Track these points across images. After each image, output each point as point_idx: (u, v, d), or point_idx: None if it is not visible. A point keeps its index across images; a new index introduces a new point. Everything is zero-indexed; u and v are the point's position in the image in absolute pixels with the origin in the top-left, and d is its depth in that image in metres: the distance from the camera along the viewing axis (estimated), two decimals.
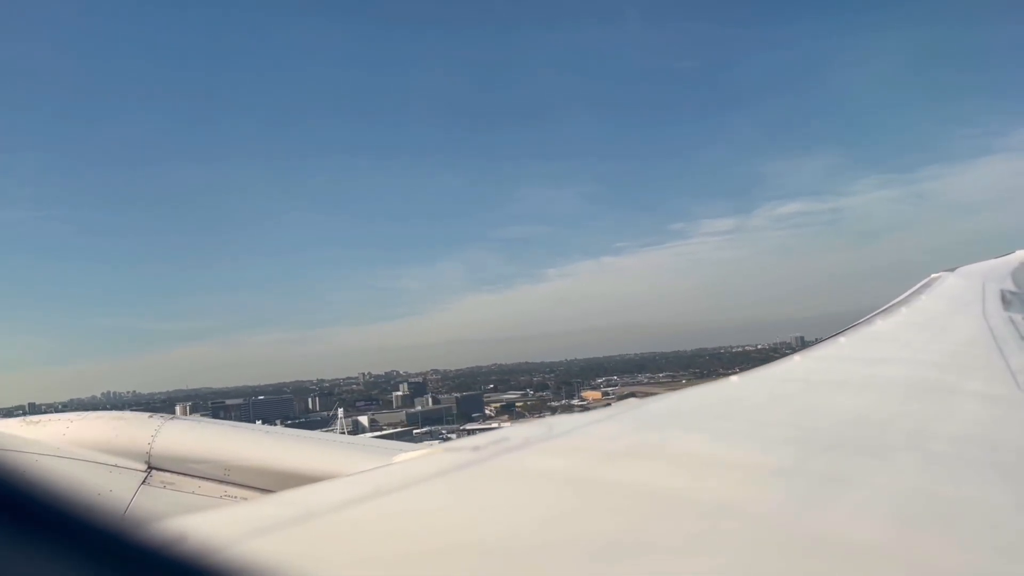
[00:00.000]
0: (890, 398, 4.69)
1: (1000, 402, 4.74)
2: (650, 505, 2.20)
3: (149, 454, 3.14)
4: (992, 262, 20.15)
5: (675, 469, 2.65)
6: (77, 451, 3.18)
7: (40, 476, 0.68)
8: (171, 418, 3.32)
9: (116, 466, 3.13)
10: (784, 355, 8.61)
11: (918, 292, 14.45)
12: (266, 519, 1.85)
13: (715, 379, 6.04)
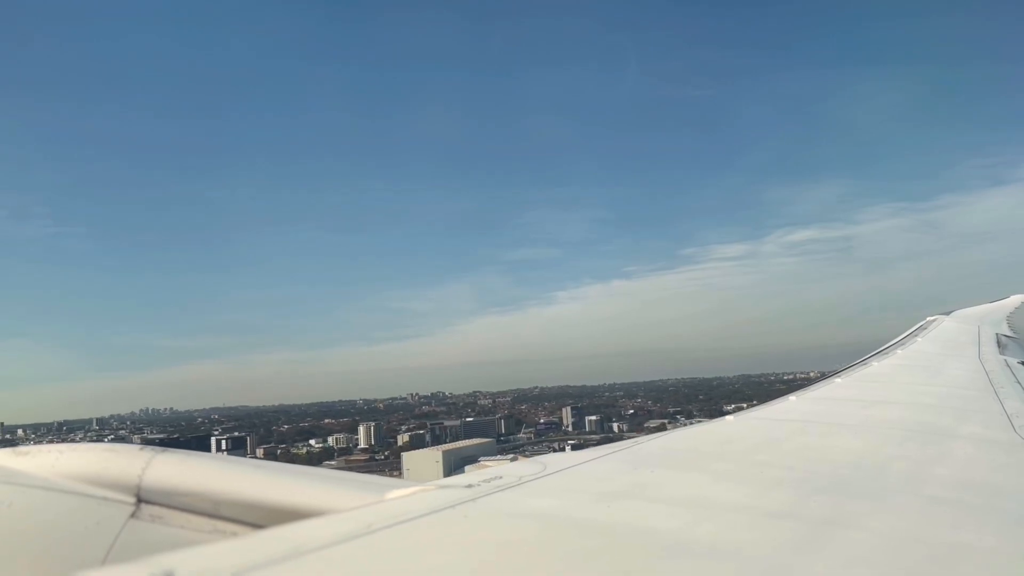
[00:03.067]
0: (886, 440, 4.67)
1: (997, 446, 4.72)
2: (644, 546, 2.18)
3: (139, 487, 3.10)
4: (988, 306, 20.25)
5: (669, 510, 2.63)
6: (66, 483, 3.14)
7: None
8: (162, 451, 3.28)
9: (105, 499, 3.09)
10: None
11: (914, 334, 14.48)
12: (255, 555, 1.82)
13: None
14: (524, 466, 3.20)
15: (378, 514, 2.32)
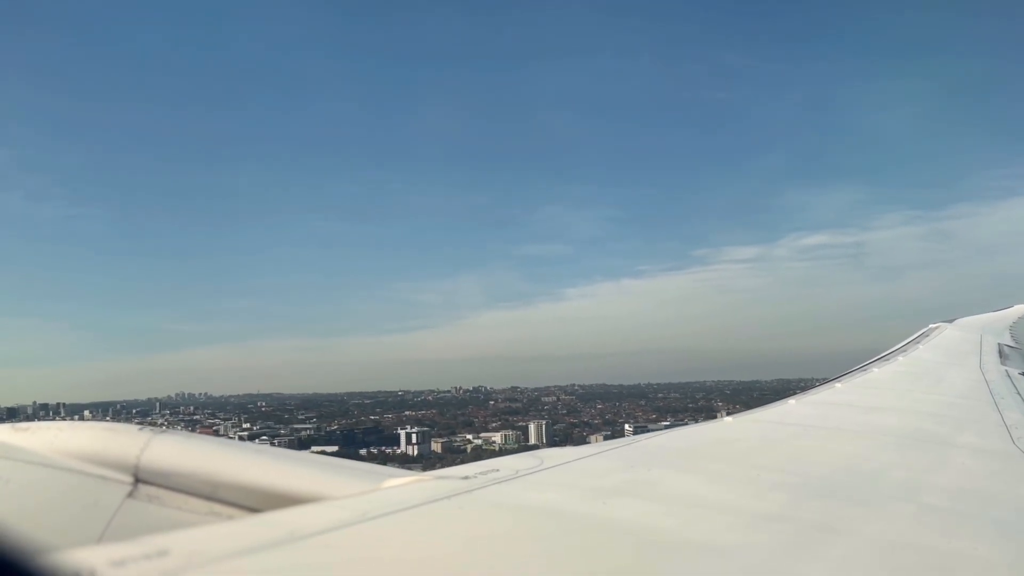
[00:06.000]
0: (884, 447, 4.67)
1: (994, 456, 4.72)
2: (638, 544, 2.18)
3: (137, 467, 3.11)
4: (990, 315, 20.21)
5: (665, 509, 2.63)
6: (64, 460, 3.15)
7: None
8: (161, 431, 3.30)
9: (103, 477, 3.11)
10: None
11: (915, 341, 14.46)
12: (250, 538, 1.83)
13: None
14: (521, 460, 3.21)
15: (374, 502, 2.32)
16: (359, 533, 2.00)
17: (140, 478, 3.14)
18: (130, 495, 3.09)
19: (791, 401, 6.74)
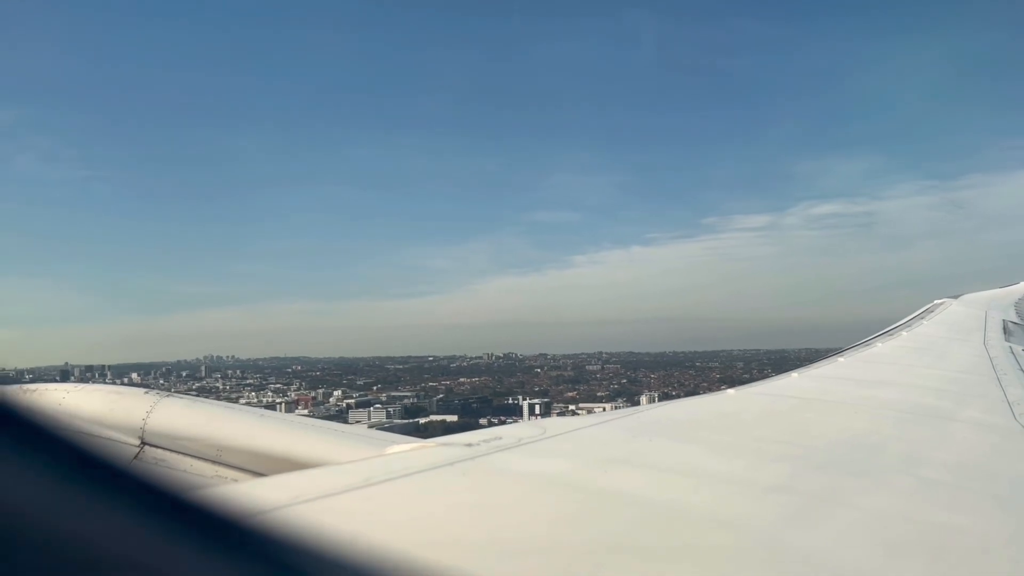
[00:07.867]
0: (885, 421, 4.68)
1: (995, 432, 4.73)
2: (639, 513, 2.20)
3: (143, 430, 3.15)
4: (996, 291, 20.15)
5: (666, 478, 2.65)
6: (72, 422, 3.19)
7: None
8: (167, 395, 3.33)
9: (109, 440, 3.15)
10: None
11: (920, 317, 14.44)
12: (254, 502, 1.85)
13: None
14: (524, 428, 3.23)
15: (378, 467, 2.35)
16: (363, 497, 2.02)
17: (146, 441, 3.18)
18: (136, 457, 3.13)
19: (794, 374, 6.75)
